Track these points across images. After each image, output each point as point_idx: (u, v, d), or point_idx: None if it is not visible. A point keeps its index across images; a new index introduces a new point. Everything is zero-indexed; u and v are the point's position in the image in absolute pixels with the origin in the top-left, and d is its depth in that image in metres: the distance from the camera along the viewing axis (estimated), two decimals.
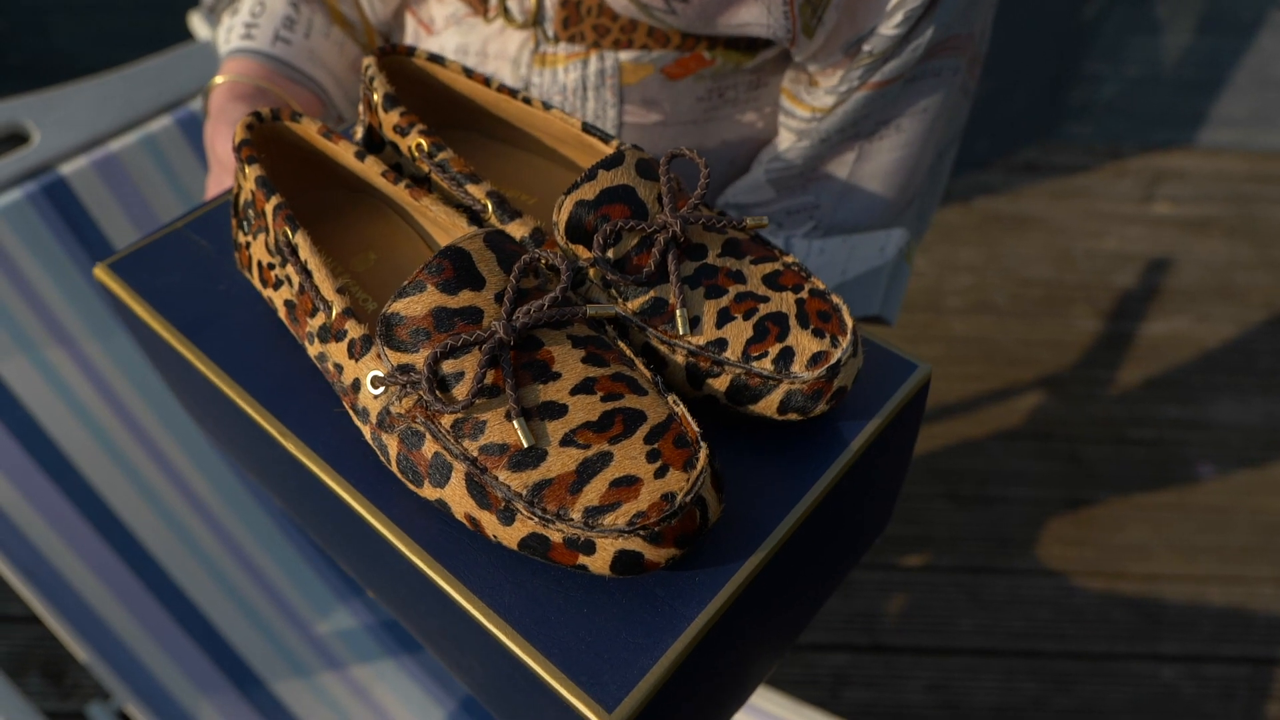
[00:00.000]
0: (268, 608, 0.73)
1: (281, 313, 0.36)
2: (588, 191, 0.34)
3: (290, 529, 0.75)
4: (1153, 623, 1.10)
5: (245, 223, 0.38)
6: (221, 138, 0.48)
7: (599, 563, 0.28)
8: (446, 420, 0.30)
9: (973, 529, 1.18)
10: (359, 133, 0.42)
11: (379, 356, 0.32)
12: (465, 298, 0.31)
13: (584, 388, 0.30)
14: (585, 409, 0.30)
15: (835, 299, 0.34)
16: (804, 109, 0.51)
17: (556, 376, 0.30)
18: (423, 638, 0.39)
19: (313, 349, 0.35)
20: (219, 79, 0.51)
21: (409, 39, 0.57)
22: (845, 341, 0.32)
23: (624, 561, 0.28)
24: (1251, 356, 1.41)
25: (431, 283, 0.31)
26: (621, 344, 0.33)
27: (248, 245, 0.38)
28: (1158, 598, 1.13)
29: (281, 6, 0.54)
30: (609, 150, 0.39)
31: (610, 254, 0.34)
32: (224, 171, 0.49)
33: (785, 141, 0.52)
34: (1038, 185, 1.68)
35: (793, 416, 0.33)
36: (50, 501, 0.64)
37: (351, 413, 0.33)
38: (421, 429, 0.31)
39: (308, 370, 0.37)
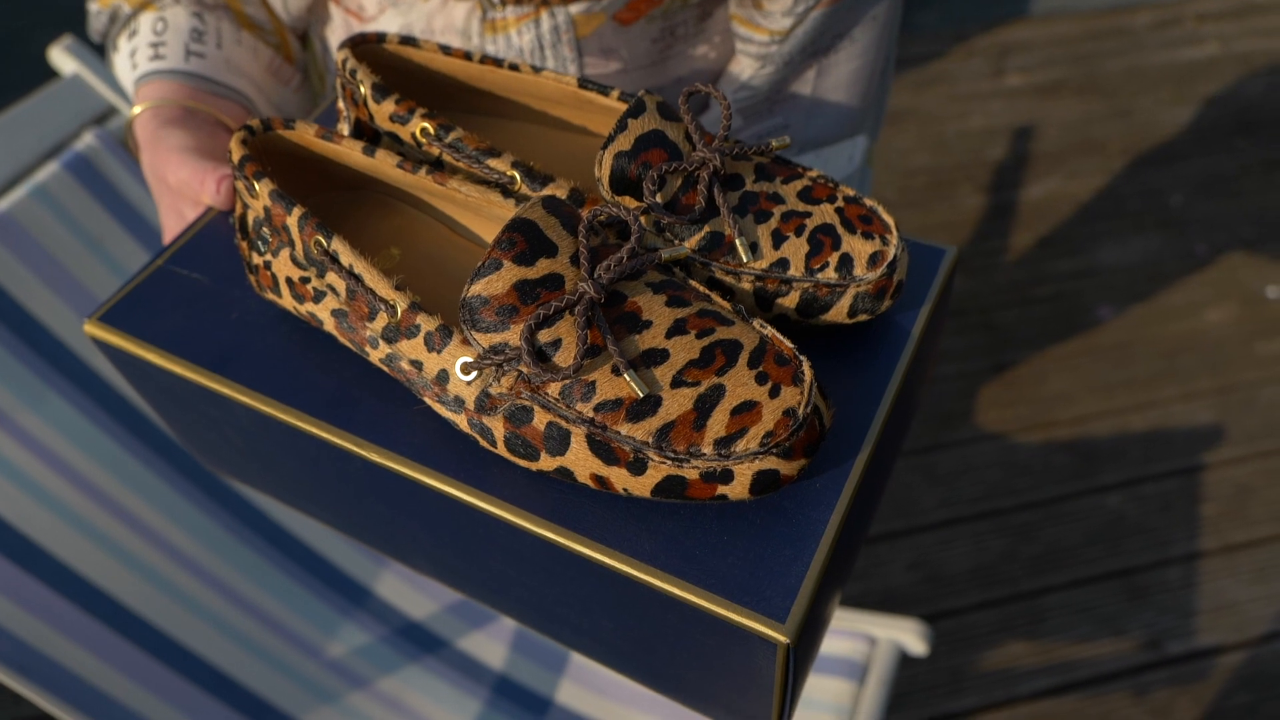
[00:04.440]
0: (275, 642, 0.71)
1: (329, 325, 0.35)
2: (623, 142, 0.34)
3: (277, 557, 0.73)
4: (1089, 460, 1.19)
5: (260, 242, 0.36)
6: (172, 165, 0.45)
7: (738, 489, 0.29)
8: (553, 389, 0.30)
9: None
10: (344, 129, 0.40)
11: (465, 342, 0.31)
12: (543, 266, 0.31)
13: (677, 329, 0.31)
14: (685, 349, 0.30)
15: (868, 201, 0.35)
16: (761, 33, 0.51)
17: (649, 325, 0.31)
18: (528, 615, 0.39)
19: (377, 353, 0.34)
20: (138, 108, 0.48)
21: (338, 32, 0.55)
22: (894, 238, 0.34)
23: (762, 481, 0.29)
24: (1120, 201, 1.51)
25: (507, 258, 0.30)
26: (693, 282, 0.33)
27: (267, 265, 0.36)
28: (1088, 437, 1.21)
29: (185, 20, 0.50)
30: (610, 102, 0.38)
31: (659, 198, 0.34)
32: (180, 200, 0.46)
33: (748, 69, 0.53)
34: (901, 78, 1.74)
35: (862, 318, 0.34)
36: (23, 589, 0.60)
37: (438, 406, 0.33)
38: (528, 403, 0.30)
39: (362, 378, 0.36)
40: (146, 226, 0.65)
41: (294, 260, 0.35)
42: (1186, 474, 1.17)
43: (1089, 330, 1.33)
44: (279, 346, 0.37)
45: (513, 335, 0.30)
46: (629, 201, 0.35)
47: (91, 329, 0.39)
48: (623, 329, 0.31)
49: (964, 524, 1.13)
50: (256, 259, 0.37)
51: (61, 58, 0.63)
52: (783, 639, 0.29)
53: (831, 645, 0.73)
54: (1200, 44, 1.78)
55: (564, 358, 0.30)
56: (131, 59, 0.50)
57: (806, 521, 0.31)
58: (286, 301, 0.37)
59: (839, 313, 0.34)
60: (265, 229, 0.36)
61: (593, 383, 0.30)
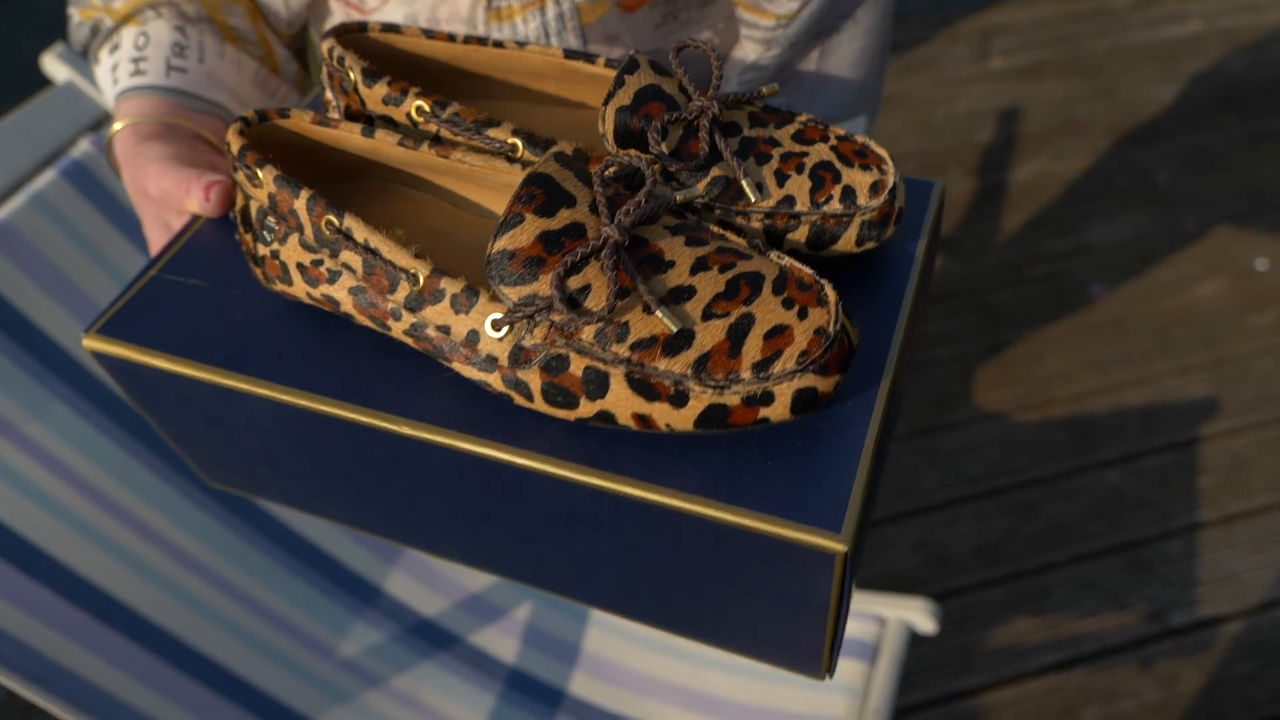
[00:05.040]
0: (287, 643, 0.71)
1: (346, 304, 0.35)
2: (623, 98, 0.35)
3: (285, 559, 0.73)
4: (1087, 437, 1.20)
5: (266, 231, 0.36)
6: (152, 176, 0.45)
7: (779, 409, 0.30)
8: (587, 333, 0.31)
9: (913, 396, 1.25)
10: (310, 116, 0.40)
11: (492, 300, 0.31)
12: (564, 216, 0.31)
13: (700, 266, 0.31)
14: (710, 283, 0.31)
15: (859, 138, 0.37)
16: (767, 18, 0.51)
17: (672, 264, 0.32)
18: (565, 583, 0.39)
19: (400, 325, 0.34)
20: (118, 125, 0.47)
21: (337, 23, 0.55)
22: (890, 167, 0.35)
23: (802, 399, 0.30)
24: (1107, 179, 1.52)
25: (528, 211, 0.31)
26: (706, 224, 0.34)
27: (274, 254, 0.36)
28: (1086, 413, 1.22)
29: (167, 34, 0.50)
30: (597, 70, 0.39)
31: (664, 147, 0.35)
32: (164, 210, 0.46)
33: (753, 53, 0.53)
34: (889, 64, 1.74)
35: (870, 245, 0.35)
36: (33, 598, 0.60)
37: (468, 369, 0.33)
38: (564, 350, 0.31)
39: (381, 356, 0.36)
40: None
41: (303, 244, 0.35)
42: (1184, 447, 1.18)
43: (1082, 308, 1.34)
44: (290, 337, 0.37)
45: (541, 285, 0.31)
46: (633, 153, 0.35)
47: (90, 342, 0.39)
48: (648, 270, 0.31)
49: (966, 504, 1.14)
50: (262, 250, 0.37)
51: (54, 65, 0.62)
52: (840, 547, 0.29)
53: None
54: (1183, 21, 1.79)
55: (595, 302, 0.31)
56: (113, 74, 0.50)
57: (845, 438, 0.32)
58: (297, 288, 0.36)
59: (847, 242, 0.35)
60: (270, 217, 0.36)
61: (625, 323, 0.31)
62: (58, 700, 0.59)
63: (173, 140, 0.47)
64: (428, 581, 0.78)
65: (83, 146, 0.61)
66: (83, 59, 0.63)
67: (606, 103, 0.35)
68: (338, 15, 0.54)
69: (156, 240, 0.48)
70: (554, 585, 0.40)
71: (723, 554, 0.32)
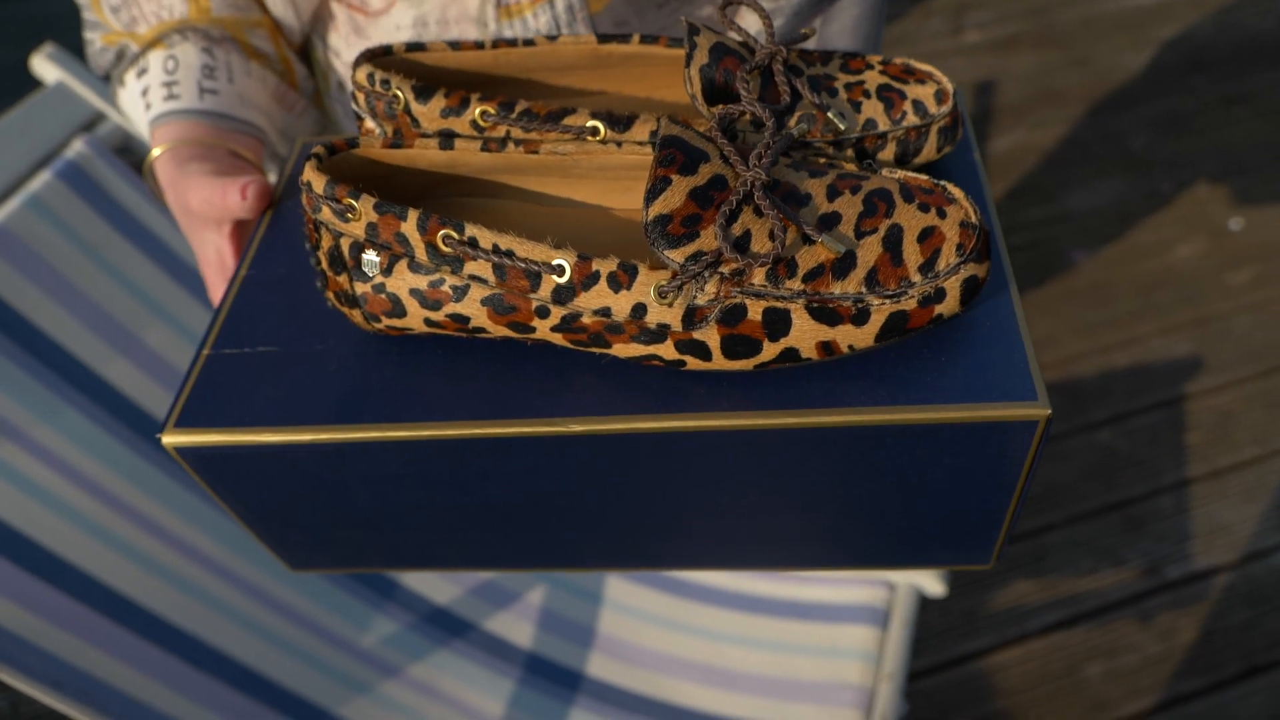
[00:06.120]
0: (306, 638, 0.71)
1: (480, 318, 0.34)
2: (701, 57, 0.36)
3: None
4: (1077, 399, 1.21)
5: (366, 266, 0.34)
6: (192, 188, 0.45)
7: (950, 303, 0.32)
8: (759, 277, 0.31)
9: None
10: (380, 140, 0.38)
11: (652, 269, 0.32)
12: (705, 171, 0.32)
13: (833, 193, 0.33)
14: (850, 206, 0.32)
15: (897, 59, 0.39)
16: None
17: (809, 196, 0.33)
18: (729, 551, 0.40)
19: (547, 322, 0.33)
20: (157, 150, 0.48)
21: (341, 31, 0.54)
22: (942, 76, 0.38)
23: (969, 288, 0.32)
24: (1084, 146, 1.54)
25: (673, 173, 0.31)
26: (812, 158, 0.35)
27: (379, 289, 0.34)
28: (1075, 376, 1.24)
29: (195, 56, 0.50)
30: (633, 48, 0.39)
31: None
32: (206, 225, 0.46)
33: (755, 24, 0.53)
34: None
35: (947, 149, 0.38)
36: (50, 603, 0.60)
37: (632, 346, 0.33)
38: (739, 299, 0.31)
39: (513, 364, 0.35)
40: (144, 232, 0.64)
41: (415, 269, 0.34)
42: (1171, 405, 1.20)
43: (1066, 274, 1.36)
44: (403, 374, 0.35)
45: (705, 241, 0.31)
46: (722, 108, 0.36)
47: (172, 439, 0.36)
48: (793, 206, 0.32)
49: None
50: (361, 288, 0.35)
51: (44, 66, 0.62)
52: (1043, 411, 0.31)
53: (853, 594, 0.74)
54: None
55: (759, 244, 0.31)
56: (144, 98, 0.50)
57: (996, 314, 0.33)
58: (412, 318, 0.34)
59: (930, 150, 0.37)
60: (369, 250, 0.34)
61: (791, 259, 0.31)
62: (78, 704, 0.59)
63: (211, 159, 0.47)
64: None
65: (77, 147, 0.61)
66: (75, 59, 0.63)
67: (688, 65, 0.36)
68: (341, 18, 0.54)
69: (207, 259, 0.48)
70: (716, 559, 0.40)
71: (918, 460, 0.33)
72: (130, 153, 0.63)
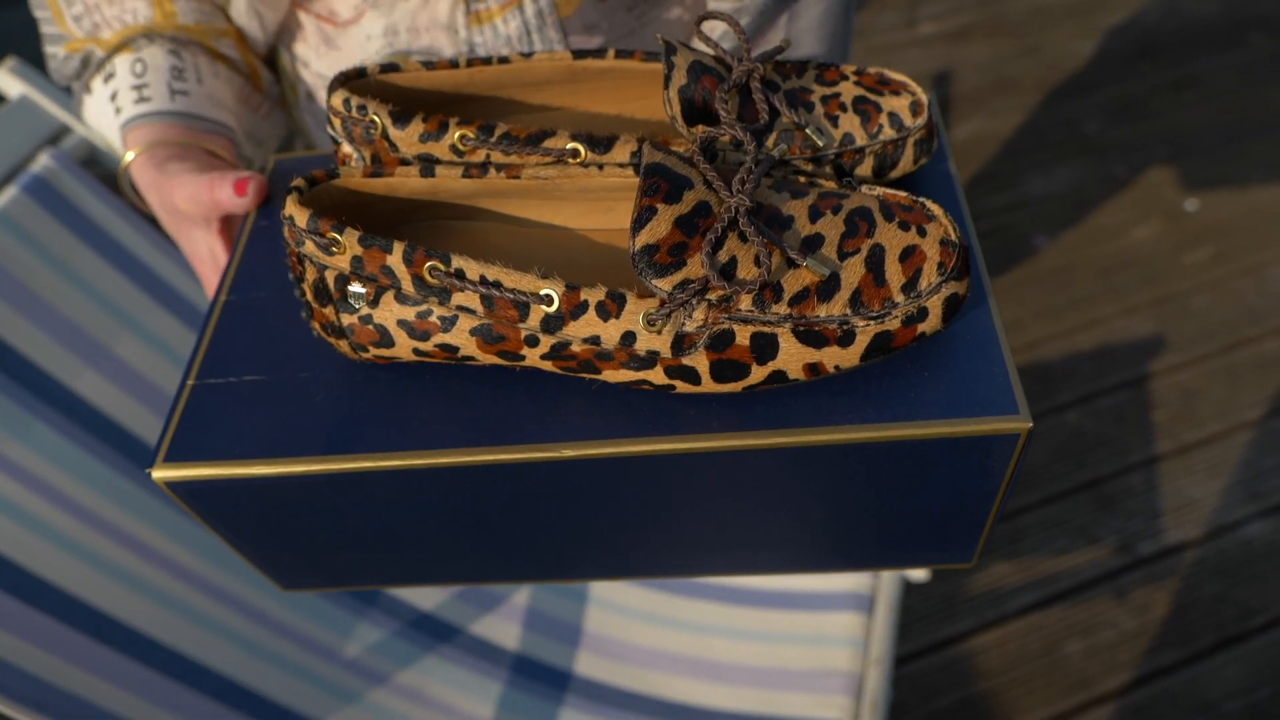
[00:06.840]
0: (291, 649, 0.70)
1: (469, 348, 0.34)
2: (679, 78, 0.36)
3: None
4: (1044, 381, 1.24)
5: (353, 299, 0.34)
6: (178, 187, 0.44)
7: (933, 321, 0.32)
8: (745, 302, 0.31)
9: None
10: (360, 170, 0.37)
11: (640, 297, 0.32)
12: (690, 198, 0.32)
13: (814, 214, 0.33)
14: (832, 227, 0.33)
15: (872, 69, 0.39)
16: None
17: (792, 218, 0.33)
18: (728, 558, 0.40)
19: (537, 350, 0.33)
20: (130, 154, 0.47)
21: (310, 41, 0.54)
22: (915, 87, 0.38)
23: (950, 306, 0.32)
24: (1040, 134, 1.57)
25: (658, 202, 0.32)
26: (792, 176, 0.35)
27: (366, 320, 0.34)
28: (1042, 360, 1.26)
29: (163, 58, 0.49)
30: (606, 64, 0.39)
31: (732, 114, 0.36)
32: (196, 219, 0.45)
33: (721, 25, 0.54)
34: None
35: (923, 161, 0.38)
36: (29, 624, 0.58)
37: (622, 372, 0.33)
38: (727, 325, 0.32)
39: (503, 390, 0.35)
40: (112, 244, 0.63)
41: (402, 300, 0.33)
42: (1135, 384, 1.23)
43: (1028, 259, 1.38)
44: (393, 403, 0.35)
45: (691, 269, 0.31)
46: (701, 129, 0.36)
47: (162, 474, 0.35)
48: (776, 230, 0.32)
49: None
50: (348, 319, 0.34)
51: (7, 80, 0.61)
52: (1024, 425, 0.31)
53: (837, 581, 0.75)
54: None
55: (745, 270, 0.31)
56: (113, 102, 0.49)
57: (976, 327, 0.34)
58: (400, 348, 0.34)
59: (907, 162, 0.37)
60: (354, 283, 0.34)
61: (777, 283, 0.32)
62: None
63: (189, 158, 0.47)
64: None
65: (43, 161, 0.60)
66: (38, 73, 0.62)
67: (666, 86, 0.36)
68: (309, 29, 0.53)
69: (198, 256, 0.47)
70: (715, 565, 0.40)
71: (904, 472, 0.33)
72: (97, 165, 0.62)
